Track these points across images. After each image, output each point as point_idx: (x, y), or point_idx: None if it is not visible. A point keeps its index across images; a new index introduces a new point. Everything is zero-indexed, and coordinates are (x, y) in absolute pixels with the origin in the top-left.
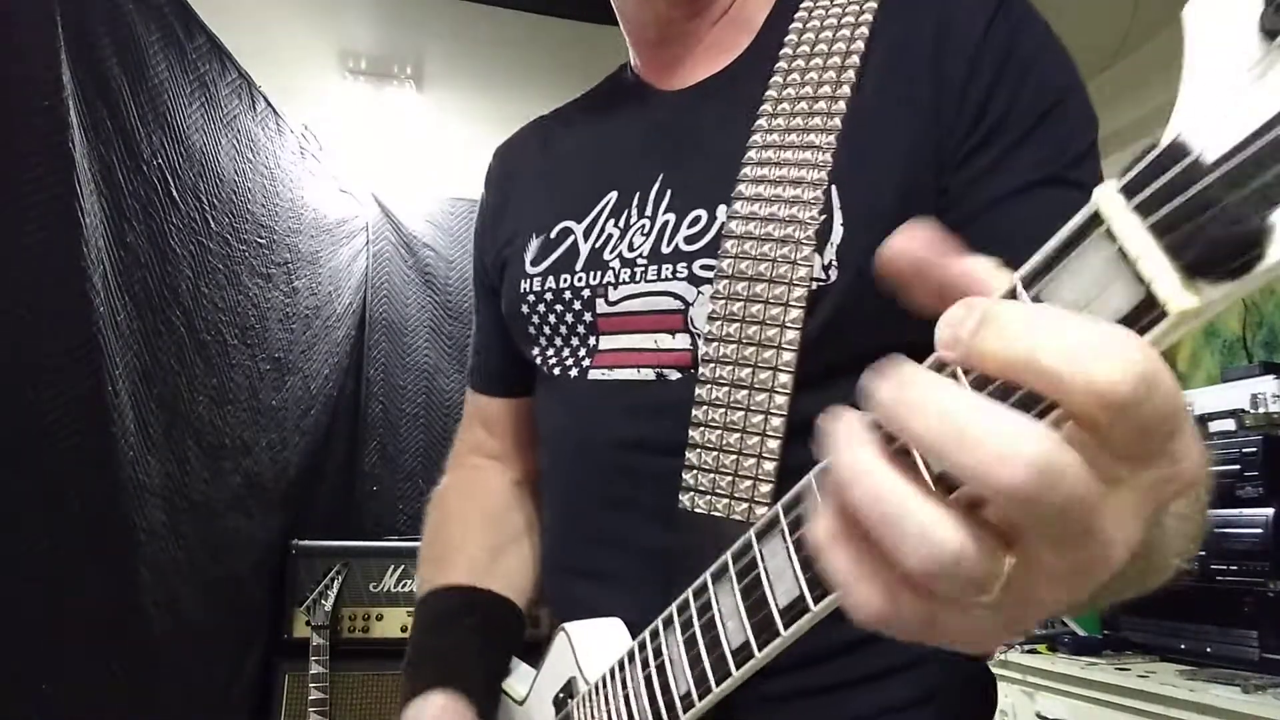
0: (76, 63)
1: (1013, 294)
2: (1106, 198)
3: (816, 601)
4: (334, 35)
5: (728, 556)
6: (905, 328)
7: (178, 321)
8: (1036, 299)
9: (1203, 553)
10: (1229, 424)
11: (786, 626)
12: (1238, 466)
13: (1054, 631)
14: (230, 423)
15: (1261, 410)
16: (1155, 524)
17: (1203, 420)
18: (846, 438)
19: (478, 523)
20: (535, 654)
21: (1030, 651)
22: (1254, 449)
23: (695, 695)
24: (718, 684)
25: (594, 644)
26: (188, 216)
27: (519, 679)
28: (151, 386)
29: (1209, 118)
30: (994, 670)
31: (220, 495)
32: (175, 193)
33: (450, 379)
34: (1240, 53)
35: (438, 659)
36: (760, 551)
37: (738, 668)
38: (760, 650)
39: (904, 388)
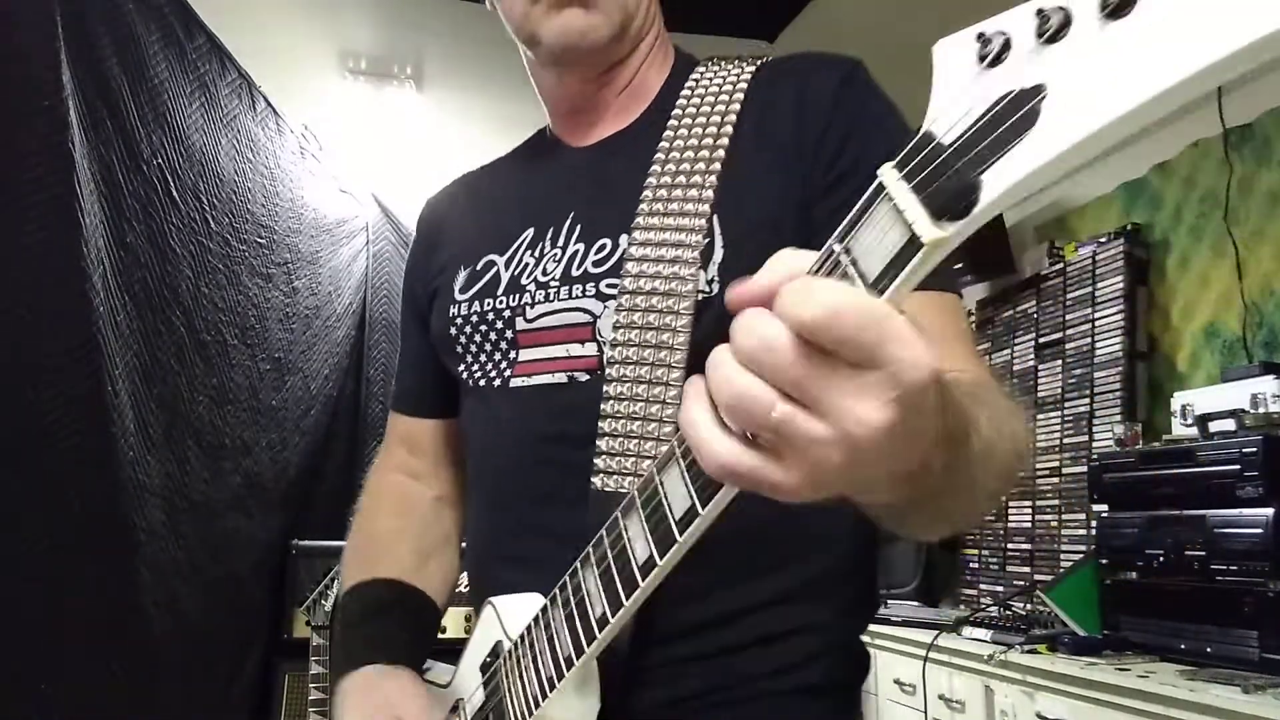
0: (76, 63)
1: (830, 252)
2: (885, 171)
3: (704, 506)
4: (334, 35)
5: (633, 491)
6: None
7: (178, 321)
8: (847, 249)
9: (1203, 553)
10: (1229, 424)
11: (682, 532)
12: (1238, 466)
13: (1054, 631)
14: (230, 423)
15: (1261, 410)
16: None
17: (1203, 420)
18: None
19: (404, 531)
20: (448, 656)
21: (1030, 651)
22: (1254, 449)
23: (609, 613)
24: (627, 597)
25: (518, 612)
26: (188, 216)
27: (439, 674)
28: (151, 386)
29: (945, 115)
30: (993, 670)
31: (220, 495)
32: (175, 193)
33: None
34: (963, 72)
35: (374, 642)
36: (660, 480)
37: (643, 578)
38: (662, 558)
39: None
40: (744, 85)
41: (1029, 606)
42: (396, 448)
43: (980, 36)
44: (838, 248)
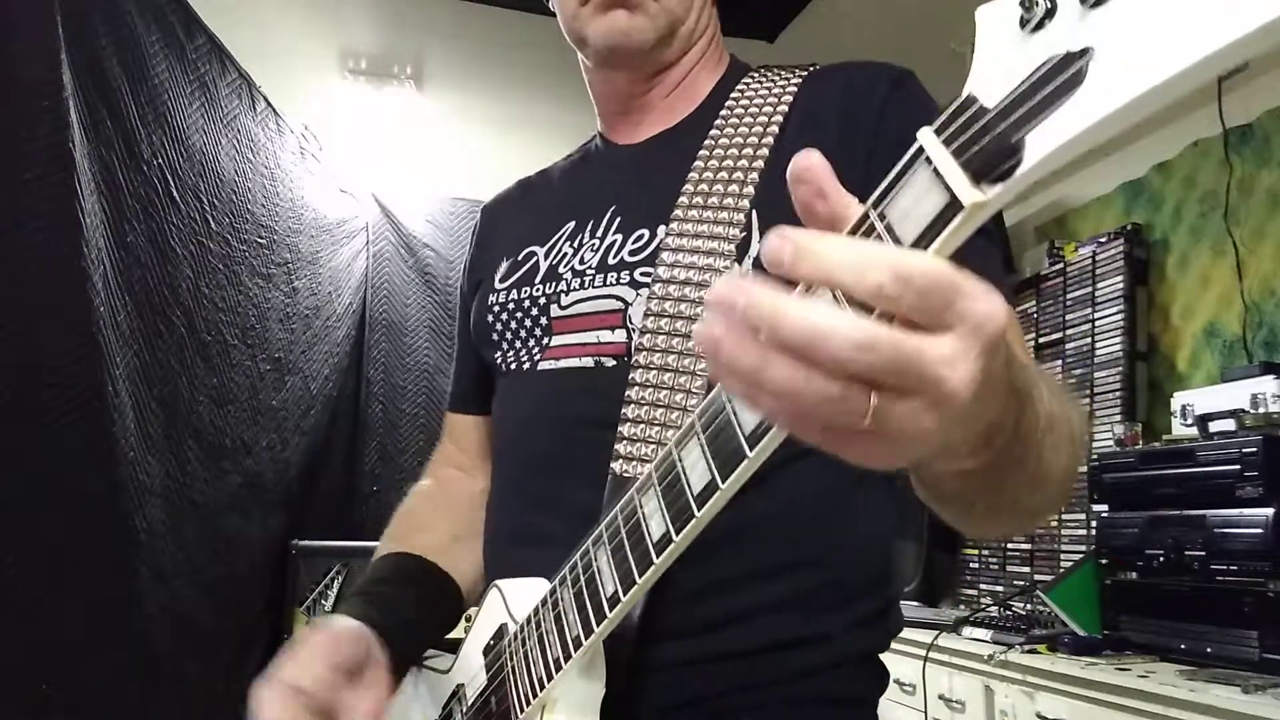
0: (76, 63)
1: (865, 218)
2: (924, 135)
3: (724, 479)
4: (334, 35)
5: (650, 469)
6: None
7: (178, 321)
8: (882, 215)
9: (1203, 553)
10: (1229, 424)
11: (700, 508)
12: (1238, 466)
13: (1054, 631)
14: (230, 423)
15: (1261, 410)
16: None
17: (1203, 420)
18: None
19: (440, 515)
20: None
21: (1030, 651)
22: (1254, 449)
23: (621, 591)
24: (640, 574)
25: (524, 594)
26: (188, 216)
27: (442, 661)
28: (151, 386)
29: (987, 79)
30: (993, 670)
31: (220, 495)
32: (175, 193)
33: (450, 379)
34: (1006, 37)
35: (369, 600)
36: (678, 456)
37: (658, 555)
38: (678, 534)
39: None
40: (793, 89)
41: (1029, 606)
42: (447, 442)
43: (1023, 1)
44: (872, 213)
